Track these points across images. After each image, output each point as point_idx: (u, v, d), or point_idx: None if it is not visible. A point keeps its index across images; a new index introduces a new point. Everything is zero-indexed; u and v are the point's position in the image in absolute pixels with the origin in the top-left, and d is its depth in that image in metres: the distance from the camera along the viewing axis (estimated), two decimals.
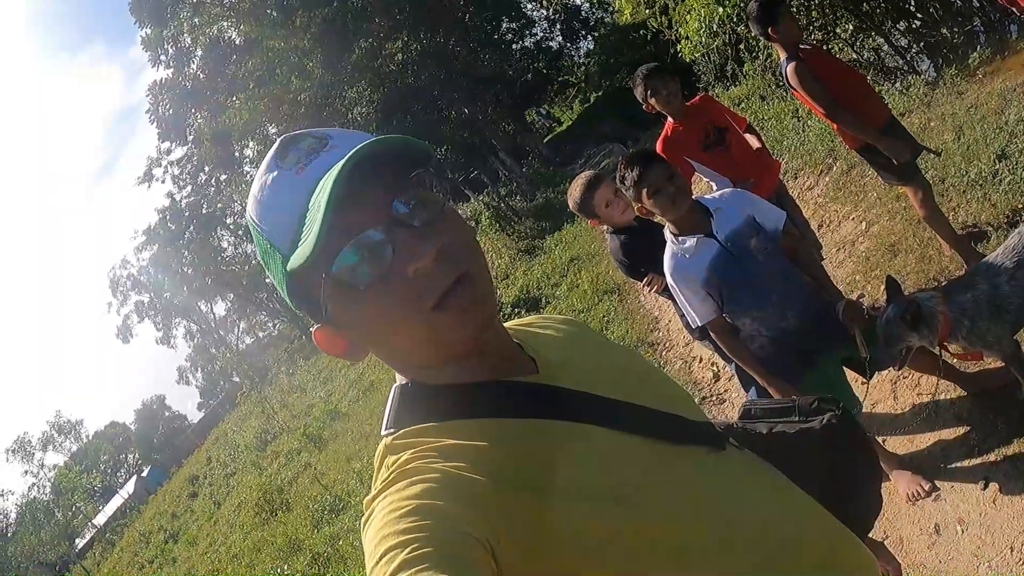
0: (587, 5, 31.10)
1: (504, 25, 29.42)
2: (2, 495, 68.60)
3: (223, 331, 51.61)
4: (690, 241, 2.80)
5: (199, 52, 30.31)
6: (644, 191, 2.79)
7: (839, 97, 3.82)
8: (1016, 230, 2.84)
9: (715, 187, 3.96)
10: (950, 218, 4.26)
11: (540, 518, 0.85)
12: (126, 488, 49.74)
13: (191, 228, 40.72)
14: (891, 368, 3.01)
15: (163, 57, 30.55)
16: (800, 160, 7.45)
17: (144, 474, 50.00)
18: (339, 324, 0.95)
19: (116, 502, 46.88)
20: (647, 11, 11.56)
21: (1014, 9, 4.35)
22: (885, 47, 7.92)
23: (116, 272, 47.57)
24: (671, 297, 3.34)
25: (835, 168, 6.60)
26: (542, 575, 0.84)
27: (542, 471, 0.89)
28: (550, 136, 37.24)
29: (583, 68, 32.53)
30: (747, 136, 4.18)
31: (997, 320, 2.71)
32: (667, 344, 6.49)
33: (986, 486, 2.92)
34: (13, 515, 58.52)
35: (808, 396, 1.32)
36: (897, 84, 7.22)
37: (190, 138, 34.96)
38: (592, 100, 32.70)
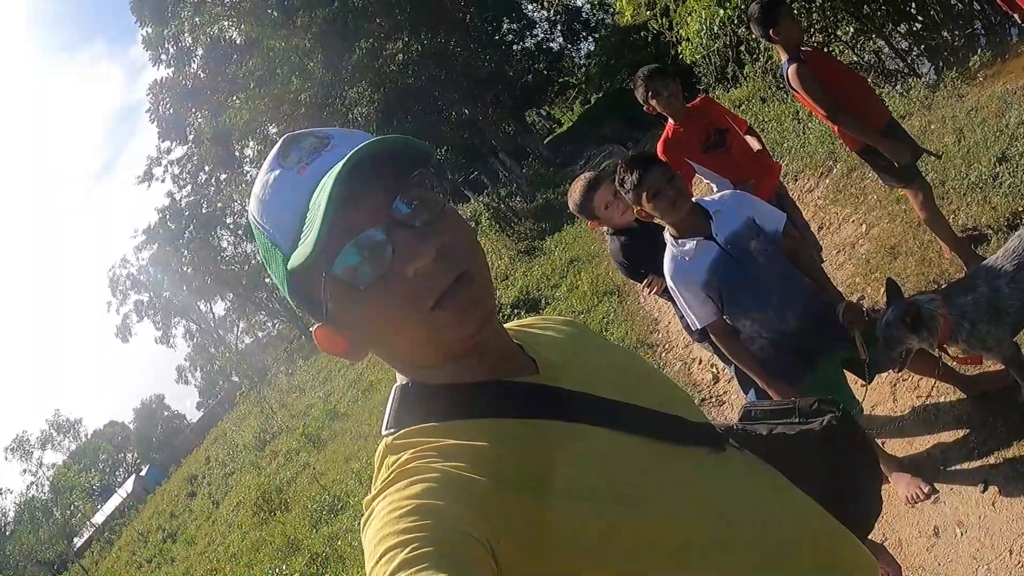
0: (588, 6, 31.19)
1: (505, 26, 29.47)
2: (0, 493, 68.51)
3: (222, 331, 51.61)
4: (690, 243, 2.80)
5: (200, 51, 30.35)
6: (644, 194, 2.78)
7: (840, 99, 3.82)
8: (1016, 233, 2.84)
9: (715, 189, 3.96)
10: (950, 220, 4.27)
11: (540, 518, 0.85)
12: (125, 487, 49.73)
13: (191, 227, 40.73)
14: (891, 370, 3.02)
15: (164, 56, 30.57)
16: (800, 162, 7.46)
17: (143, 473, 50.04)
18: (340, 323, 0.95)
19: (115, 501, 46.88)
20: (648, 13, 11.56)
21: (1016, 16, 4.34)
22: (886, 49, 7.93)
23: (116, 271, 47.60)
24: (671, 299, 3.34)
25: (835, 170, 6.61)
26: (542, 575, 0.84)
27: (542, 471, 0.89)
28: (550, 137, 37.28)
29: (583, 69, 32.61)
30: (748, 138, 4.18)
31: (997, 323, 2.71)
32: (666, 345, 6.49)
33: (985, 489, 2.92)
34: (11, 514, 58.47)
35: (808, 398, 1.32)
36: (898, 86, 7.22)
37: (190, 137, 35.01)
38: (592, 101, 32.76)
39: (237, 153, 34.13)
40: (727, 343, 2.90)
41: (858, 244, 5.31)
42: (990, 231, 4.21)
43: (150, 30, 29.80)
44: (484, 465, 0.87)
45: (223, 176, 37.91)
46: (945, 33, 7.19)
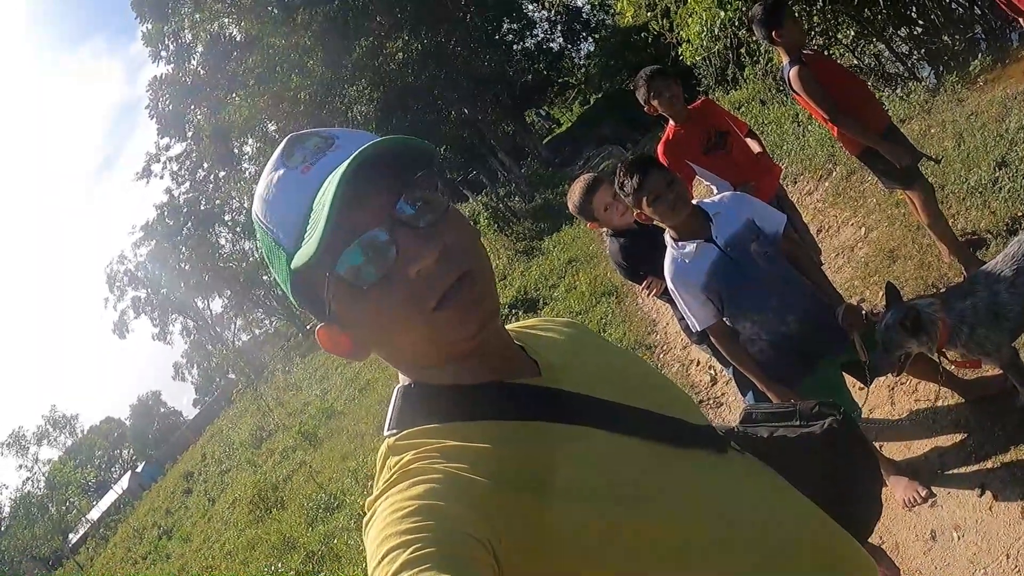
0: (588, 7, 31.18)
1: (505, 26, 29.49)
2: None
3: (220, 328, 51.63)
4: (690, 246, 2.80)
5: (200, 48, 30.32)
6: (644, 199, 2.78)
7: (840, 102, 3.83)
8: (1016, 238, 2.85)
9: (715, 190, 3.96)
10: (949, 224, 4.27)
11: (540, 519, 0.85)
12: (120, 483, 49.72)
13: (189, 224, 40.79)
14: (889, 374, 3.02)
15: (164, 53, 30.57)
16: (800, 165, 7.47)
17: (139, 470, 49.91)
18: (342, 323, 0.96)
19: (110, 497, 46.87)
20: (649, 14, 11.55)
21: (1019, 20, 4.34)
22: (886, 53, 7.93)
23: (113, 267, 47.67)
24: (670, 300, 3.35)
25: (835, 173, 6.61)
26: (543, 575, 0.84)
27: (543, 472, 0.89)
28: (549, 137, 37.28)
29: (583, 70, 32.64)
30: (748, 141, 4.18)
31: (996, 327, 2.71)
32: (664, 347, 6.49)
33: (983, 493, 2.93)
34: (7, 509, 58.43)
35: (809, 401, 1.32)
36: (898, 90, 7.23)
37: (189, 134, 34.99)
38: (592, 102, 32.78)
39: (236, 150, 34.11)
40: (726, 345, 2.90)
41: (857, 247, 5.31)
42: (989, 236, 4.21)
43: (150, 26, 29.77)
44: (485, 466, 0.87)
45: (222, 173, 37.90)
46: (946, 37, 7.19)
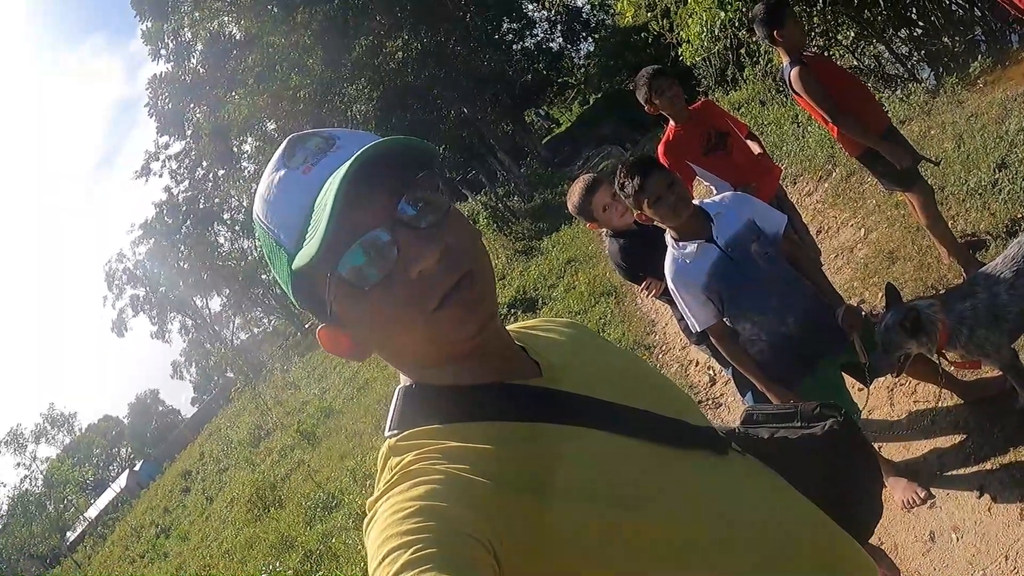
0: (588, 7, 31.17)
1: (505, 25, 29.48)
2: None
3: (218, 326, 51.65)
4: (691, 246, 2.79)
5: (199, 47, 30.28)
6: (645, 200, 2.78)
7: (841, 103, 3.83)
8: (1015, 240, 2.85)
9: (715, 191, 3.96)
10: (949, 226, 4.27)
11: (541, 519, 0.85)
12: (118, 482, 49.67)
13: (188, 223, 40.80)
14: (889, 375, 3.02)
15: (163, 51, 30.55)
16: (799, 166, 7.47)
17: (136, 468, 49.89)
18: (343, 324, 0.96)
19: (108, 496, 46.81)
20: (649, 14, 11.56)
21: (1016, 15, 4.34)
22: (886, 54, 7.94)
23: (112, 266, 47.68)
24: (669, 301, 3.35)
25: (834, 174, 6.62)
26: (543, 575, 0.84)
27: (543, 473, 0.89)
28: (549, 137, 37.29)
29: (583, 70, 32.64)
30: (748, 142, 4.18)
31: (995, 329, 2.72)
32: (664, 347, 6.49)
33: (981, 494, 2.93)
34: (4, 507, 58.34)
35: (810, 402, 1.32)
36: (897, 92, 7.23)
37: (189, 133, 34.96)
38: (591, 102, 32.78)
39: (235, 149, 34.11)
40: (726, 346, 2.90)
41: (856, 248, 5.32)
42: (989, 237, 4.22)
43: (150, 25, 29.75)
44: (486, 467, 0.87)
45: (221, 172, 37.89)
46: (945, 39, 7.19)
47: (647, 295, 3.71)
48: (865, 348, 2.78)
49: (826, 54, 7.26)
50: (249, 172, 34.30)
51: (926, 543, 2.96)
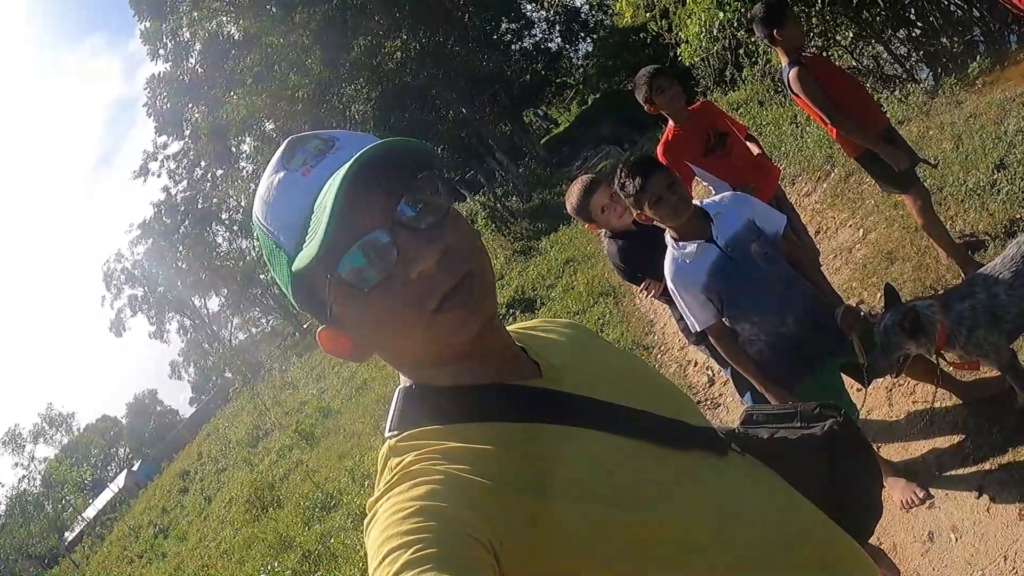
0: (587, 7, 31.16)
1: (503, 25, 29.48)
2: None
3: (216, 326, 51.66)
4: (691, 246, 2.79)
5: (198, 46, 30.19)
6: (646, 201, 2.78)
7: (840, 104, 3.83)
8: (1015, 240, 2.85)
9: (713, 192, 3.96)
10: (948, 227, 4.27)
11: (541, 520, 0.85)
12: (116, 482, 49.69)
13: (186, 223, 40.80)
14: (888, 375, 3.02)
15: (162, 51, 30.46)
16: (798, 166, 7.47)
17: (135, 468, 49.95)
18: (343, 325, 0.96)
19: (106, 496, 46.82)
20: (647, 14, 11.56)
21: (1017, 14, 4.34)
22: (884, 55, 7.94)
23: (110, 265, 47.67)
24: (668, 301, 3.34)
25: (833, 175, 6.62)
26: (543, 575, 0.85)
27: (543, 474, 0.90)
28: (547, 137, 37.28)
29: (581, 70, 32.60)
30: (747, 144, 4.18)
31: (994, 329, 2.72)
32: (662, 347, 6.49)
33: (980, 494, 2.93)
34: (2, 507, 58.28)
35: (810, 402, 1.33)
36: (896, 92, 7.23)
37: (187, 133, 34.90)
38: (590, 102, 32.76)
39: (234, 149, 34.06)
40: (726, 346, 2.90)
41: (855, 249, 5.32)
42: (987, 238, 4.22)
43: (148, 24, 29.68)
44: (486, 468, 0.88)
45: (219, 172, 37.88)
46: (944, 39, 7.20)
47: (646, 296, 3.71)
48: (864, 348, 2.78)
49: (825, 54, 7.26)
50: (247, 172, 34.28)
51: (925, 543, 2.96)
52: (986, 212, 4.38)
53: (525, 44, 31.65)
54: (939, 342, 2.74)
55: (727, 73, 11.03)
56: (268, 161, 0.96)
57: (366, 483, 8.93)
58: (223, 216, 41.18)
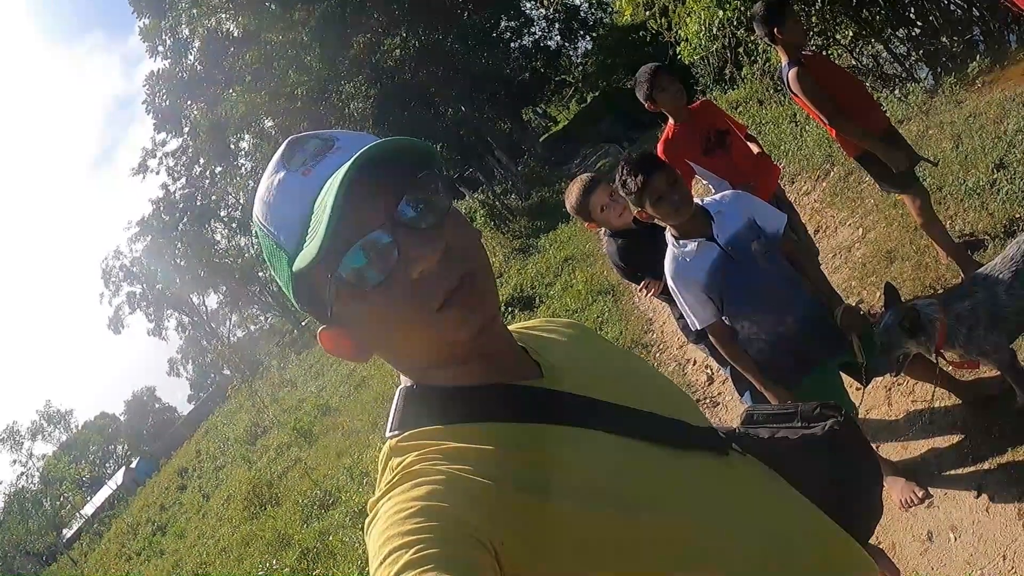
0: (586, 5, 31.11)
1: (503, 23, 29.40)
2: None
3: (215, 324, 51.62)
4: (691, 244, 2.79)
5: (197, 44, 30.22)
6: (647, 199, 2.77)
7: (839, 104, 3.82)
8: (1015, 240, 2.85)
9: (713, 190, 3.95)
10: (947, 226, 4.27)
11: (542, 520, 0.85)
12: (115, 479, 49.65)
13: (185, 220, 40.77)
14: (888, 374, 3.02)
15: (161, 48, 30.50)
16: (797, 165, 7.47)
17: (133, 465, 49.85)
18: (344, 325, 0.96)
19: (104, 493, 46.82)
20: (647, 12, 11.53)
21: (1017, 13, 4.34)
22: (884, 54, 7.94)
23: (109, 262, 47.62)
24: (668, 300, 3.34)
25: (832, 174, 6.62)
26: None
27: (544, 475, 0.89)
28: (546, 135, 37.25)
29: (581, 68, 32.52)
30: (747, 142, 4.18)
31: (994, 329, 2.72)
32: (661, 346, 6.49)
33: (979, 494, 2.93)
34: (1, 504, 58.26)
35: (810, 402, 1.33)
36: (896, 91, 7.23)
37: (186, 130, 34.93)
38: (589, 100, 32.71)
39: (232, 146, 34.07)
40: (725, 345, 2.90)
41: (854, 248, 5.32)
42: (987, 237, 4.21)
43: (147, 21, 29.72)
44: (488, 468, 0.87)
45: (218, 169, 37.89)
46: (944, 39, 7.20)
47: (645, 295, 3.71)
48: (863, 348, 2.78)
49: (824, 53, 7.25)
50: (246, 169, 34.31)
51: (924, 542, 2.97)
52: (986, 212, 4.38)
53: (524, 42, 31.59)
54: (939, 341, 2.74)
55: (726, 72, 11.02)
56: (267, 158, 0.96)
57: (364, 481, 8.93)
58: (222, 213, 41.18)
